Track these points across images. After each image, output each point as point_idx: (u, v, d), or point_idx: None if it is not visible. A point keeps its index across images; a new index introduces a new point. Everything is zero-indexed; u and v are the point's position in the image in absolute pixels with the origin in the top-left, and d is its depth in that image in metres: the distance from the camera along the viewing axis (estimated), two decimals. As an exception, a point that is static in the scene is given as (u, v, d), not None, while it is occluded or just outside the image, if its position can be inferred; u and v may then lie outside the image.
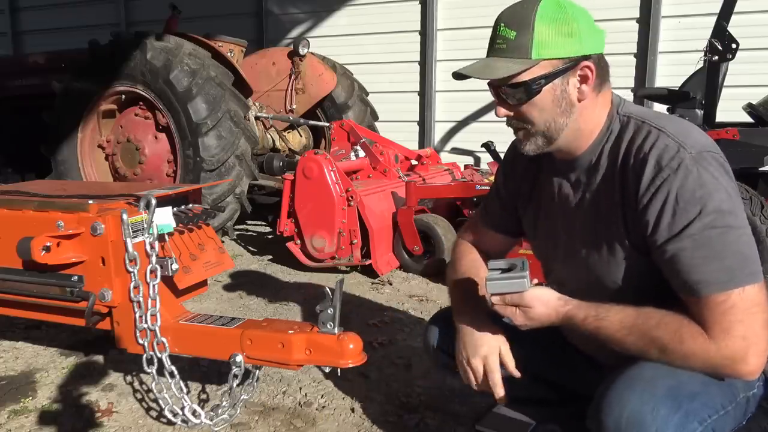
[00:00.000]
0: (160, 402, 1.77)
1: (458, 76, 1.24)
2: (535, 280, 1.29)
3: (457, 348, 1.40)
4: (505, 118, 1.27)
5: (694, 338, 1.08)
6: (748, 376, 1.09)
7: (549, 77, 1.18)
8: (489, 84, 1.24)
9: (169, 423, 1.86)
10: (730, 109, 3.84)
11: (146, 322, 1.68)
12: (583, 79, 1.21)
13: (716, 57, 3.31)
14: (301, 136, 5.58)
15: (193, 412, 1.74)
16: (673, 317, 1.11)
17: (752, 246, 1.11)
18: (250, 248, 4.52)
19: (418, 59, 6.60)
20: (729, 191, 1.11)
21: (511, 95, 1.21)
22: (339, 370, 1.58)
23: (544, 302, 1.21)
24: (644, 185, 1.14)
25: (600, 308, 1.18)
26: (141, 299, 1.67)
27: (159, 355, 1.69)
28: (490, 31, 1.24)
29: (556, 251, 1.41)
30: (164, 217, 1.76)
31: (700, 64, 3.71)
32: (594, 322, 1.17)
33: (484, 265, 1.54)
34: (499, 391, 1.32)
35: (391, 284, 3.57)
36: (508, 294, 1.21)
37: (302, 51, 5.35)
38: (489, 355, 1.33)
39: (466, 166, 5.19)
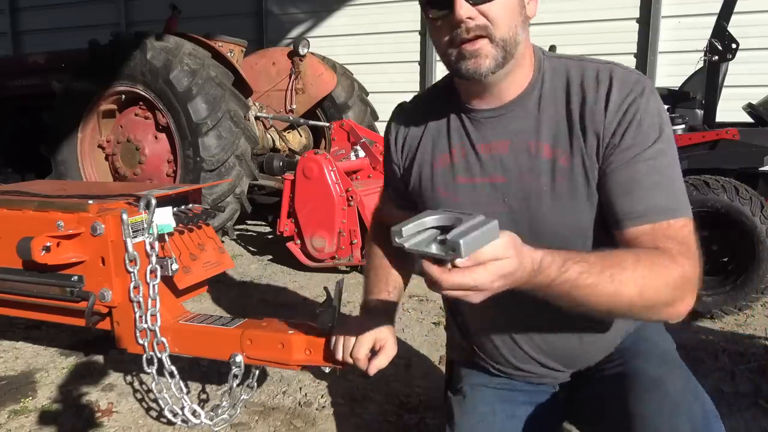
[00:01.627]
0: (160, 402, 1.77)
1: None
2: None
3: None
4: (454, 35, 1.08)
5: (674, 259, 1.00)
6: (686, 311, 1.03)
7: None
8: None
9: (169, 423, 1.86)
10: (730, 109, 3.84)
11: (146, 322, 1.68)
12: None
13: (716, 57, 3.30)
14: (301, 136, 5.58)
15: (193, 412, 1.74)
16: (642, 249, 1.03)
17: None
18: (250, 248, 4.52)
19: (418, 59, 6.60)
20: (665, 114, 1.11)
21: None
22: (338, 369, 1.58)
23: (518, 248, 0.89)
24: (612, 109, 1.09)
25: (571, 252, 0.97)
26: (141, 299, 1.67)
27: (159, 355, 1.69)
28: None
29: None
30: (164, 217, 1.76)
31: (700, 64, 3.71)
32: (575, 266, 0.94)
33: (392, 272, 1.44)
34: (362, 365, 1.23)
35: (391, 284, 3.56)
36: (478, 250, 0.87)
37: (302, 51, 5.35)
38: (371, 336, 1.25)
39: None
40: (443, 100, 1.27)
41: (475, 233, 0.83)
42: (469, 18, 1.06)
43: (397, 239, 0.87)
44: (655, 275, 0.97)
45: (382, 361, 1.22)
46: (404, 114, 1.37)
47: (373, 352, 1.25)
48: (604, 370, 1.24)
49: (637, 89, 1.09)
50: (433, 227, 0.90)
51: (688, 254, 1.02)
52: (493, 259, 0.85)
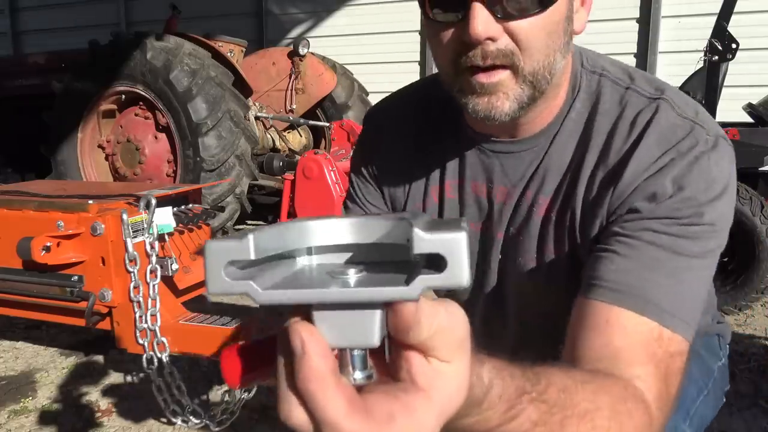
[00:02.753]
0: (160, 402, 1.77)
1: None
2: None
3: None
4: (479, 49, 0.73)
5: (650, 414, 0.65)
6: None
7: None
8: None
9: (169, 423, 1.86)
10: (730, 109, 3.84)
11: (146, 322, 1.68)
12: (583, 1, 0.81)
13: (716, 57, 3.30)
14: (301, 136, 5.58)
15: (193, 412, 1.74)
16: (616, 385, 0.65)
17: (706, 290, 0.79)
18: (250, 248, 4.52)
19: (418, 59, 6.60)
20: (732, 199, 0.78)
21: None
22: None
23: (461, 341, 0.39)
24: (631, 173, 0.77)
25: (525, 374, 0.54)
26: (141, 299, 1.67)
27: (159, 355, 1.69)
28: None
29: (482, 280, 0.94)
30: (164, 217, 1.76)
31: (700, 64, 3.71)
32: (531, 408, 0.53)
33: None
34: None
35: (391, 284, 3.56)
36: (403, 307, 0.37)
37: (302, 51, 5.35)
38: None
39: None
40: (439, 113, 0.95)
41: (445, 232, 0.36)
42: (490, 39, 0.72)
43: (225, 275, 0.36)
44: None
45: None
46: (383, 125, 1.03)
47: None
48: None
49: (681, 148, 0.75)
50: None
51: (665, 404, 0.68)
52: (426, 348, 0.38)
